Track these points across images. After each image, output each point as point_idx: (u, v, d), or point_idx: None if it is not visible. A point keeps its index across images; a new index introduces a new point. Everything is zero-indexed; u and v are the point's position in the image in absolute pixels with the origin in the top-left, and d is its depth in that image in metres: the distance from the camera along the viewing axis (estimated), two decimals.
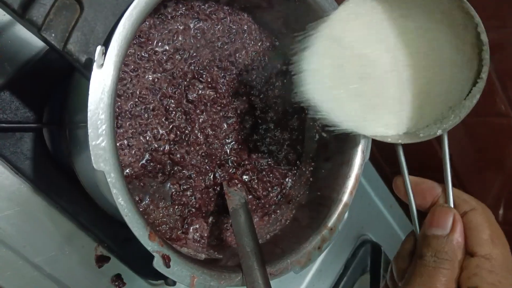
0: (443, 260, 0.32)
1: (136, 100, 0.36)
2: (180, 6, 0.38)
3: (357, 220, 0.73)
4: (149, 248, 0.30)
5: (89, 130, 0.27)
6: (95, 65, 0.27)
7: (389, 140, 0.37)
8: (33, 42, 0.44)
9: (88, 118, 0.27)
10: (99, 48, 0.27)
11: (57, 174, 0.45)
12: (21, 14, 0.28)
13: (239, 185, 0.41)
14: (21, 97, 0.42)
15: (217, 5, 0.40)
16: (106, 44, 0.29)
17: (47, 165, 0.44)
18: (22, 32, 0.43)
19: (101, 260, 0.47)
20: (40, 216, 0.44)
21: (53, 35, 0.29)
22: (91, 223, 0.46)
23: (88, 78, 0.30)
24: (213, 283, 0.32)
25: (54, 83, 0.44)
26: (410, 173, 0.38)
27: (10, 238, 0.42)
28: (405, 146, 0.37)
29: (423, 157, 0.82)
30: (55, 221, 0.45)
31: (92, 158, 0.27)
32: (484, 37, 0.32)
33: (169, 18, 0.38)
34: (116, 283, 0.48)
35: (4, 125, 0.41)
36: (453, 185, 0.81)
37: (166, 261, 0.30)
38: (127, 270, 0.49)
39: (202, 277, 0.32)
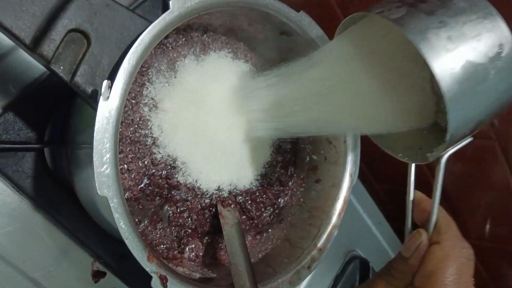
0: (393, 276, 0.41)
1: (136, 126, 0.38)
2: (180, 36, 0.40)
3: (346, 236, 0.74)
4: (147, 269, 0.31)
5: (94, 159, 0.29)
6: (101, 98, 0.29)
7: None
8: (37, 65, 0.45)
9: (94, 147, 0.29)
10: (105, 82, 0.29)
11: (57, 192, 0.46)
12: (32, 49, 0.30)
13: (232, 206, 0.43)
14: (24, 118, 0.44)
15: (215, 35, 0.43)
16: (111, 76, 0.31)
17: (47, 183, 0.46)
18: (26, 55, 0.44)
19: (97, 275, 0.48)
20: (40, 232, 0.45)
21: (61, 68, 0.31)
22: (89, 239, 0.48)
23: (93, 108, 0.32)
24: None
25: (56, 105, 0.46)
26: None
27: (10, 253, 0.43)
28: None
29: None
30: (54, 237, 0.46)
31: (97, 184, 0.29)
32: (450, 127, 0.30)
33: (170, 48, 0.40)
34: None
35: (8, 145, 0.42)
36: (442, 203, 0.84)
37: (164, 281, 0.32)
38: (122, 285, 0.50)
39: None
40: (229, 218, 0.41)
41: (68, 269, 0.47)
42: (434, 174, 0.38)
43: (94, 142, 0.29)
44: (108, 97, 0.29)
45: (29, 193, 0.44)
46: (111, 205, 0.29)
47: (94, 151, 0.29)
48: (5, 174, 0.43)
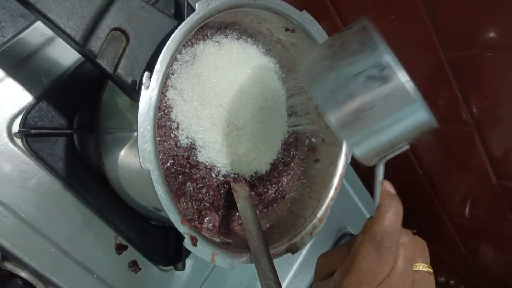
0: None
1: (162, 112, 0.43)
2: (198, 33, 0.46)
3: (338, 215, 0.80)
4: (181, 231, 0.37)
5: (139, 138, 0.34)
6: (143, 87, 0.35)
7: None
8: (65, 58, 0.50)
9: (138, 128, 0.34)
10: (146, 74, 0.35)
11: (85, 173, 0.51)
12: (82, 45, 0.35)
13: (243, 182, 0.49)
14: (56, 106, 0.49)
15: (228, 31, 0.49)
16: (147, 69, 0.37)
17: (76, 165, 0.50)
18: (55, 50, 0.50)
19: (120, 248, 0.54)
20: (70, 209, 0.50)
21: (105, 61, 0.36)
22: (112, 216, 0.53)
23: (131, 96, 0.38)
24: (228, 260, 0.40)
25: (84, 94, 0.51)
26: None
27: (45, 228, 0.48)
28: None
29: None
30: (82, 214, 0.51)
31: (140, 159, 0.34)
32: None
33: (189, 44, 0.45)
34: (133, 268, 0.54)
35: (43, 130, 0.47)
36: (425, 186, 0.89)
37: (194, 241, 0.38)
38: (142, 257, 0.55)
39: (220, 255, 0.39)
40: (241, 192, 0.47)
41: (94, 242, 0.52)
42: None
43: (138, 124, 0.34)
44: (148, 86, 0.35)
45: (61, 174, 0.49)
46: (153, 177, 0.35)
47: (138, 131, 0.34)
48: (40, 157, 0.48)
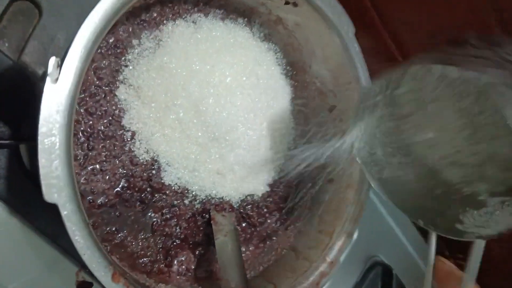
0: None
1: (110, 118, 0.32)
2: (167, 10, 0.34)
3: (366, 240, 0.67)
4: None
5: (40, 156, 0.23)
6: (48, 80, 0.23)
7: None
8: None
9: (39, 142, 0.23)
10: (53, 59, 0.23)
11: (35, 193, 0.41)
12: None
13: (228, 210, 0.37)
14: None
15: (209, 8, 0.37)
16: (65, 55, 0.25)
17: (24, 184, 0.41)
18: None
19: (83, 287, 0.44)
20: (17, 238, 0.41)
21: (6, 44, 0.25)
22: (72, 247, 0.43)
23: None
24: None
25: (33, 97, 0.41)
26: None
27: None
28: None
29: None
30: (33, 244, 0.42)
31: (43, 189, 0.23)
32: None
33: (153, 24, 0.34)
34: None
35: None
36: None
37: None
38: None
39: None
40: (223, 225, 0.34)
41: (49, 279, 0.43)
42: None
43: (39, 136, 0.23)
44: (57, 79, 0.23)
45: (4, 195, 0.40)
46: (63, 213, 0.24)
47: (39, 146, 0.23)
48: None
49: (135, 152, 0.33)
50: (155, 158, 0.34)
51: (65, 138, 0.24)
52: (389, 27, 0.59)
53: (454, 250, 0.93)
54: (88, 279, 0.45)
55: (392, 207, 0.73)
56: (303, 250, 0.38)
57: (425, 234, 0.81)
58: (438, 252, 0.88)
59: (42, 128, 0.23)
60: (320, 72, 0.41)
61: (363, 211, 0.37)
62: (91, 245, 0.25)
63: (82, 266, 0.43)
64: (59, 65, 0.24)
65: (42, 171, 0.23)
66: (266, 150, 0.39)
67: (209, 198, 0.36)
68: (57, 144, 0.23)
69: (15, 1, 0.25)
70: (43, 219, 0.42)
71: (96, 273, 0.25)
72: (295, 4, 0.35)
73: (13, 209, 0.40)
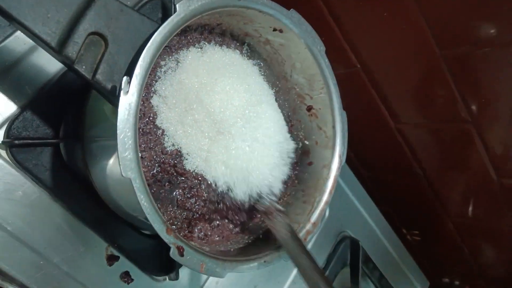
0: None
1: (147, 119, 0.42)
2: (182, 38, 0.45)
3: (336, 218, 0.78)
4: (166, 241, 0.36)
5: (119, 145, 0.33)
6: (122, 92, 0.33)
7: None
8: (49, 66, 0.49)
9: (118, 135, 0.33)
10: (125, 78, 0.33)
11: (73, 183, 0.50)
12: (58, 51, 0.34)
13: (280, 213, 0.45)
14: (41, 116, 0.48)
15: (212, 35, 0.47)
16: (127, 73, 0.35)
17: (63, 175, 0.49)
18: (39, 58, 0.49)
19: (111, 259, 0.52)
20: (58, 221, 0.49)
21: (83, 67, 0.35)
22: (102, 226, 0.52)
23: (112, 102, 0.36)
24: (218, 269, 0.38)
25: (69, 103, 0.50)
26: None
27: (33, 241, 0.47)
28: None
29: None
30: (71, 225, 0.50)
31: (121, 168, 0.33)
32: None
33: (173, 50, 0.44)
34: (125, 279, 0.53)
35: (27, 141, 0.46)
36: (425, 187, 0.89)
37: (180, 250, 0.36)
38: (134, 268, 0.54)
39: (209, 264, 0.38)
40: (281, 228, 0.43)
41: (85, 254, 0.50)
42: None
43: (118, 131, 0.33)
44: (127, 92, 0.34)
45: (48, 184, 0.48)
46: (135, 185, 0.34)
47: (118, 138, 0.33)
48: (26, 167, 0.47)
49: (164, 145, 0.43)
50: (179, 149, 0.44)
51: (133, 132, 0.34)
52: (349, 43, 0.71)
53: (410, 227, 1.06)
54: (115, 253, 0.54)
55: (356, 188, 0.85)
56: (292, 216, 0.49)
57: (384, 212, 0.93)
58: (396, 228, 1.00)
59: (120, 125, 0.33)
60: (299, 80, 0.52)
61: (335, 184, 0.49)
62: (152, 208, 0.35)
63: (111, 241, 0.53)
64: (129, 82, 0.34)
65: (120, 155, 0.33)
66: (264, 137, 0.49)
67: (225, 185, 0.46)
68: (130, 136, 0.33)
69: (89, 35, 0.35)
70: (80, 204, 0.50)
71: (156, 228, 0.35)
72: (281, 31, 0.47)
73: (55, 196, 0.48)
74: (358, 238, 0.81)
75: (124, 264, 0.53)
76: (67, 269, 0.49)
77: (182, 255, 0.36)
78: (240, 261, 0.41)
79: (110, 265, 0.52)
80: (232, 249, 0.44)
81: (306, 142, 0.53)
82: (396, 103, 0.80)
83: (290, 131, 0.52)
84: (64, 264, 0.49)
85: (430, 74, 0.71)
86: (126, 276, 0.53)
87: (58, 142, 0.49)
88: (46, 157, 0.48)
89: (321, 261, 0.76)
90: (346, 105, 0.51)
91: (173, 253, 0.36)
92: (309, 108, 0.52)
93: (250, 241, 0.46)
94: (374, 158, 0.94)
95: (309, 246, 0.46)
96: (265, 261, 0.42)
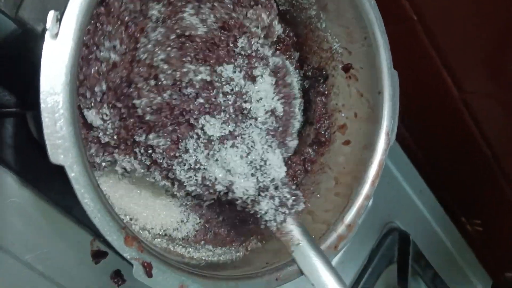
0: None
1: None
2: None
3: (383, 207, 0.70)
4: (125, 255, 0.25)
5: (43, 115, 0.22)
6: (47, 35, 0.22)
7: None
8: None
9: (41, 100, 0.22)
10: (51, 13, 0.22)
11: (45, 164, 0.41)
12: None
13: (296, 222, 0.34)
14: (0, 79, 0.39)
15: None
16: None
17: (33, 154, 0.41)
18: None
19: (98, 256, 0.45)
20: (29, 210, 0.42)
21: (2, 0, 0.24)
22: (86, 216, 0.43)
23: None
24: None
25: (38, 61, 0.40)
26: None
27: None
28: None
29: None
30: (46, 215, 0.42)
31: (48, 149, 0.22)
32: None
33: None
34: (116, 280, 0.45)
35: None
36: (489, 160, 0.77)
37: (147, 269, 0.25)
38: (126, 265, 0.45)
39: (193, 286, 0.27)
40: (294, 234, 0.32)
41: (64, 250, 0.43)
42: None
43: (41, 95, 0.22)
44: (57, 34, 0.22)
45: (13, 165, 0.40)
46: (70, 175, 0.23)
47: (41, 105, 0.22)
48: None
49: None
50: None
51: (69, 96, 0.23)
52: None
53: (472, 215, 0.95)
54: (103, 248, 0.45)
55: (408, 171, 0.74)
56: (319, 213, 0.37)
57: (441, 199, 0.81)
58: (455, 219, 0.90)
59: (45, 86, 0.22)
60: (333, 29, 0.39)
61: (381, 172, 0.36)
62: (102, 208, 0.24)
63: (96, 234, 0.44)
64: (58, 19, 0.22)
65: (46, 130, 0.22)
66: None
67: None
68: (61, 102, 0.22)
69: None
70: (55, 190, 0.42)
71: (108, 237, 0.25)
72: None
73: (24, 180, 0.41)
74: (408, 231, 0.72)
75: (114, 261, 0.45)
76: (42, 269, 0.42)
77: (150, 275, 0.25)
78: (240, 278, 0.29)
79: (97, 262, 0.45)
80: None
81: (342, 115, 0.40)
82: (462, 67, 0.70)
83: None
84: (38, 263, 0.42)
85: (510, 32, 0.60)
86: (117, 276, 0.46)
87: (24, 111, 0.39)
88: (8, 131, 0.40)
89: (362, 257, 0.67)
90: (397, 68, 0.39)
91: (136, 272, 0.25)
92: (347, 68, 0.39)
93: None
94: (432, 134, 0.84)
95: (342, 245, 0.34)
96: (277, 279, 0.30)
